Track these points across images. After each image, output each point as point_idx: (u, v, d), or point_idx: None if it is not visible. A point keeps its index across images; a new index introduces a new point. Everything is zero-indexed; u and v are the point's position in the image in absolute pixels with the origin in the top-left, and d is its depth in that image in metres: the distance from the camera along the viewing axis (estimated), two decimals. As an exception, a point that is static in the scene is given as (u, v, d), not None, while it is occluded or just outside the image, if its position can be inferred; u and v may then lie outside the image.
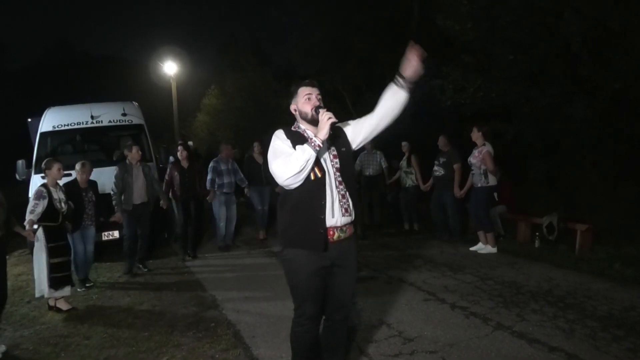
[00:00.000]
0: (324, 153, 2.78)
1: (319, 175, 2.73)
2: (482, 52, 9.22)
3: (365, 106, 16.03)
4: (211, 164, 7.94)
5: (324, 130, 2.60)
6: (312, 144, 2.60)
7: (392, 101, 2.77)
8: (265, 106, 21.94)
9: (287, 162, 2.61)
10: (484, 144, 6.92)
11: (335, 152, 2.84)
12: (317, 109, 2.72)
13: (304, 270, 2.79)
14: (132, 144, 6.92)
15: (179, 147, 7.57)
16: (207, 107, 26.08)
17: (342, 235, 2.84)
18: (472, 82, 9.24)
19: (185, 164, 7.42)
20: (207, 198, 7.76)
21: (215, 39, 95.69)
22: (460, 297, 5.03)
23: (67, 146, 8.72)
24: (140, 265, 6.88)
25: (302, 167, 2.58)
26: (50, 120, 8.34)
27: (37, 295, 5.19)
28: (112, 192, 6.57)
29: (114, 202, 6.54)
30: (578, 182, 9.15)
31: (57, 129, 8.28)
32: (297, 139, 2.77)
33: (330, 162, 2.81)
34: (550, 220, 7.04)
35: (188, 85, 26.88)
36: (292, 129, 2.89)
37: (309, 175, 2.67)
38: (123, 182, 6.52)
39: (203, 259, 7.49)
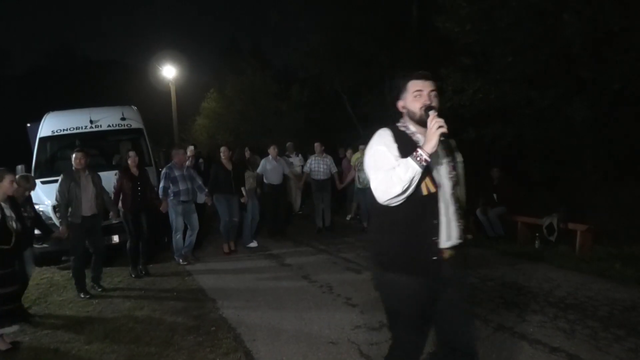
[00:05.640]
0: (439, 163, 2.35)
1: (432, 190, 2.28)
2: (481, 54, 9.22)
3: (364, 108, 16.14)
4: (164, 170, 7.31)
5: (432, 142, 2.14)
6: (418, 159, 2.14)
7: None
8: (265, 109, 21.96)
9: (388, 180, 2.18)
10: None
11: (452, 163, 2.41)
12: (427, 110, 2.27)
13: (409, 298, 2.34)
14: (79, 149, 6.05)
15: (130, 153, 6.78)
16: (207, 111, 26.09)
17: (453, 252, 2.38)
18: (472, 84, 9.25)
19: (135, 171, 6.73)
20: (160, 208, 7.07)
21: (215, 43, 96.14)
22: (461, 299, 5.01)
23: (66, 151, 8.69)
24: (95, 285, 6.16)
25: (404, 188, 2.16)
26: (49, 125, 8.35)
27: None
28: (55, 203, 5.83)
29: (57, 215, 5.86)
30: (578, 183, 9.14)
31: (56, 133, 8.28)
32: (406, 143, 2.32)
33: (446, 174, 2.36)
34: (550, 221, 7.04)
35: (187, 88, 26.89)
36: (400, 128, 2.42)
37: (419, 190, 2.23)
38: (69, 193, 5.75)
39: (203, 263, 7.44)
